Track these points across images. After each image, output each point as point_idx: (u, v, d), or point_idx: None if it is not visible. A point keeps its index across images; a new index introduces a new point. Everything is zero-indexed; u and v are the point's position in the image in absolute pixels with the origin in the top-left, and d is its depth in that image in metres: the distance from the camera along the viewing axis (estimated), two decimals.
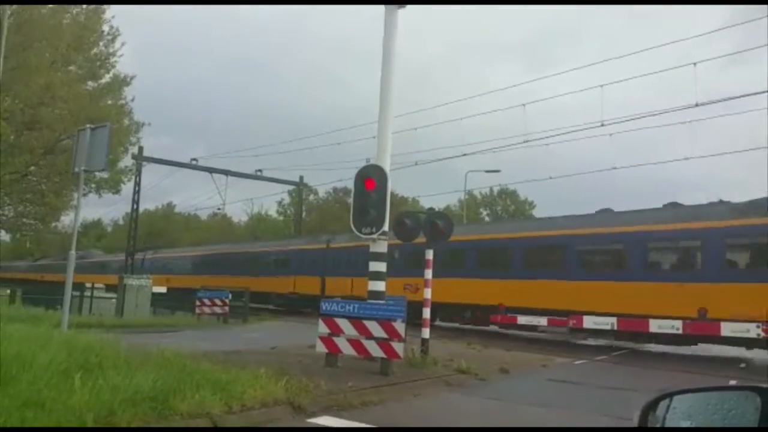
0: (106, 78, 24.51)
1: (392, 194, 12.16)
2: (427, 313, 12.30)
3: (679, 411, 2.35)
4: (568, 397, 9.59)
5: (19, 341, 6.94)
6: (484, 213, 71.04)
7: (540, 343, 19.88)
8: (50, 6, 21.81)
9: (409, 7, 11.68)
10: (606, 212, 20.12)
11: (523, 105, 22.17)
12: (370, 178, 10.90)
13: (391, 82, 11.39)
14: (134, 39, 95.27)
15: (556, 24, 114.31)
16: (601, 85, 20.37)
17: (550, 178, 26.12)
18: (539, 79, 63.46)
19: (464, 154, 24.70)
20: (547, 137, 22.24)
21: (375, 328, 9.65)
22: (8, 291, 28.18)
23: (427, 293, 12.64)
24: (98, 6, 23.29)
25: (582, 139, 22.71)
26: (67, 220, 33.27)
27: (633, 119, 19.78)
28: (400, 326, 9.57)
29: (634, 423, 2.56)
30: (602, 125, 20.18)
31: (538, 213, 68.50)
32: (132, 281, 24.30)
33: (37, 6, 21.25)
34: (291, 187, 44.59)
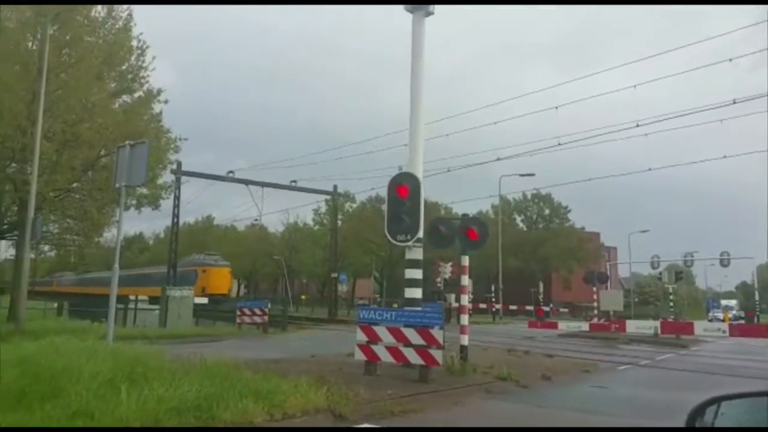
0: (140, 93, 24.96)
1: (425, 201, 12.13)
2: (465, 320, 12.22)
3: (727, 416, 2.29)
4: (613, 403, 9.40)
5: (67, 354, 7.13)
6: (519, 219, 70.27)
7: (583, 349, 19.54)
8: (86, 24, 22.35)
9: (438, 12, 11.69)
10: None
11: (556, 107, 21.96)
12: (404, 186, 10.90)
13: (421, 89, 11.40)
14: (178, 60, 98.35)
15: (588, 25, 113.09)
16: (635, 85, 20.08)
17: (589, 179, 25.83)
18: (572, 81, 62.58)
19: (498, 159, 24.59)
20: (581, 139, 21.92)
21: (413, 336, 9.62)
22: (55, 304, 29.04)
23: (464, 299, 12.58)
24: (127, 22, 23.78)
25: (617, 140, 22.39)
26: (109, 235, 34.04)
27: (668, 119, 19.43)
28: (438, 333, 9.53)
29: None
30: (637, 126, 19.87)
31: (573, 216, 67.61)
32: (174, 293, 24.75)
33: (75, 25, 21.82)
34: (328, 197, 44.88)
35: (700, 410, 2.52)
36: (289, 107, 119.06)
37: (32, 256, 30.51)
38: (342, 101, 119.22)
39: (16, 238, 24.43)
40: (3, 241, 26.77)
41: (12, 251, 31.12)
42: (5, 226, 24.63)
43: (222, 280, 38.46)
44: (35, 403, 5.41)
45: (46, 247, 41.28)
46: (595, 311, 32.37)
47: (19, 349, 7.43)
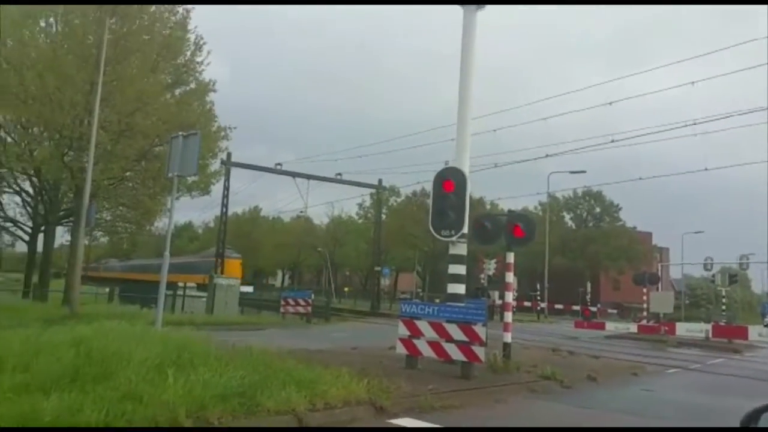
0: (192, 85, 25.50)
1: (470, 196, 12.01)
2: (509, 317, 12.09)
3: None
4: (660, 406, 9.16)
5: (118, 338, 7.36)
6: (567, 216, 69.05)
7: (631, 351, 19.11)
8: (143, 17, 22.99)
9: (489, 8, 11.53)
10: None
11: (610, 103, 21.48)
12: (449, 181, 10.81)
13: (469, 84, 11.27)
14: (233, 55, 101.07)
15: (642, 21, 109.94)
16: (693, 82, 19.46)
17: (640, 179, 25.30)
18: (626, 77, 60.89)
19: (547, 155, 24.20)
20: (635, 137, 21.38)
21: (455, 331, 9.57)
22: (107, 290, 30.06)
23: (509, 297, 12.43)
24: (185, 17, 24.33)
25: (672, 139, 21.79)
26: (160, 223, 35.05)
27: (726, 117, 18.77)
28: (481, 330, 9.44)
29: None
30: (694, 124, 19.28)
31: (625, 215, 66.06)
32: (221, 281, 25.27)
33: (133, 21, 22.50)
34: (373, 190, 45.01)
35: (754, 416, 2.43)
36: (338, 102, 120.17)
37: (86, 242, 31.57)
38: (391, 96, 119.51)
39: (71, 224, 25.37)
40: (59, 227, 27.78)
41: (67, 237, 32.30)
42: (61, 213, 25.58)
43: (234, 269, 45.24)
44: (88, 384, 5.59)
45: (100, 234, 42.85)
46: (644, 313, 31.56)
47: (73, 332, 7.70)
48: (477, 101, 11.61)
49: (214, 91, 25.55)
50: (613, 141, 21.30)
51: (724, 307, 40.21)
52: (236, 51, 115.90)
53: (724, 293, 40.36)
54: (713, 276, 41.36)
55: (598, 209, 67.27)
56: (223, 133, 26.39)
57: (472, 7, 11.31)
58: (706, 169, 22.17)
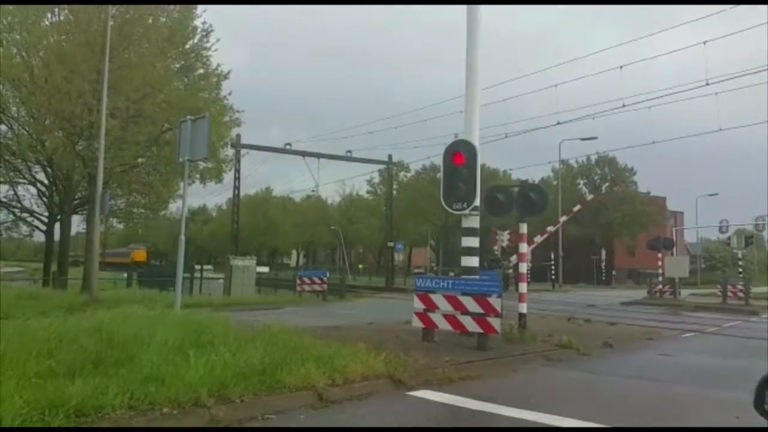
0: (201, 70, 25.44)
1: (482, 167, 11.96)
2: (524, 287, 12.13)
3: None
4: (676, 371, 9.20)
5: (138, 322, 7.48)
6: (581, 183, 68.53)
7: (647, 316, 19.13)
8: (147, 6, 22.91)
9: None
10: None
11: (620, 67, 21.20)
12: (459, 153, 10.78)
13: (477, 53, 11.17)
14: (252, 40, 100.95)
15: None
16: (704, 42, 19.15)
17: (653, 142, 25.14)
18: (638, 39, 59.82)
19: (558, 123, 23.97)
20: (647, 100, 21.08)
21: (470, 304, 9.61)
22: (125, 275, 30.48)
23: (523, 267, 12.45)
24: (189, 3, 24.22)
25: (685, 101, 21.55)
26: (174, 207, 35.27)
27: (740, 76, 18.48)
28: (495, 301, 9.47)
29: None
30: (707, 84, 19.00)
31: (638, 181, 65.48)
32: (238, 262, 25.50)
33: (136, 7, 22.42)
34: (382, 167, 44.95)
35: None
36: (351, 77, 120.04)
37: (102, 229, 31.89)
38: (402, 66, 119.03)
39: (86, 212, 25.60)
40: (75, 216, 28.05)
41: (84, 225, 32.64)
42: (76, 201, 25.80)
43: (141, 255, 64.97)
44: (111, 368, 5.70)
45: (115, 221, 43.29)
46: (660, 278, 31.51)
47: (94, 318, 7.82)
48: (487, 71, 11.49)
49: (225, 77, 25.48)
50: (624, 105, 21.07)
51: (740, 270, 39.98)
52: (255, 35, 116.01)
53: (740, 255, 40.12)
54: (729, 238, 41.16)
55: (610, 176, 66.72)
56: (234, 119, 26.42)
57: None
58: (720, 130, 21.84)
